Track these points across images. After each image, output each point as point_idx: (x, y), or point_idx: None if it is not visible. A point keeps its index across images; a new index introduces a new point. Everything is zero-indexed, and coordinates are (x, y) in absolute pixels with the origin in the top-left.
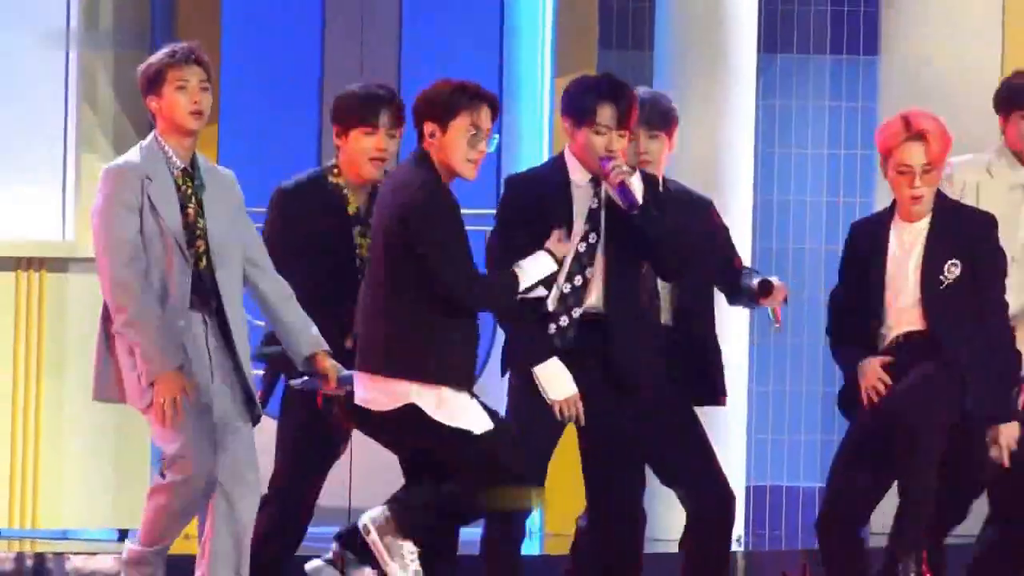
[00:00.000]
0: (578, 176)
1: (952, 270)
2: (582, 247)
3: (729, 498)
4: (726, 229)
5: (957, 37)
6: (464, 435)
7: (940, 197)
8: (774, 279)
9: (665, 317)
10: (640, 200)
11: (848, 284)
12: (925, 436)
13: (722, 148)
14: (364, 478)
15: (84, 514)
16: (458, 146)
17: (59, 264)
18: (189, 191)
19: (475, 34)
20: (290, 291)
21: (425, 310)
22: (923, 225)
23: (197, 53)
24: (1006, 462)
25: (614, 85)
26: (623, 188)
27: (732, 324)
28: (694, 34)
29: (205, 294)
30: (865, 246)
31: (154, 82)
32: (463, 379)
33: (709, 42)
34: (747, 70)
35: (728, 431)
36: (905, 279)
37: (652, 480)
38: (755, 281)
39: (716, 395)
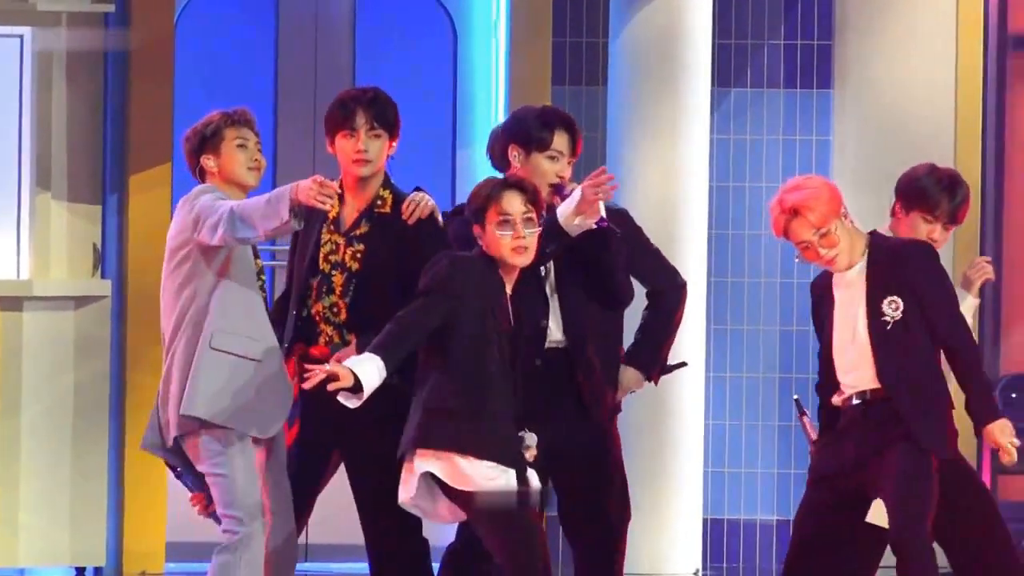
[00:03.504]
0: None
1: (894, 307)
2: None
3: None
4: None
5: (910, 69)
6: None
7: (873, 238)
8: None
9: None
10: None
11: (821, 342)
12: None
13: (676, 183)
14: (321, 515)
15: (41, 552)
16: (497, 241)
17: (13, 303)
18: None
19: (428, 72)
20: None
21: None
22: (860, 268)
23: (251, 118)
24: (1012, 458)
25: (565, 114)
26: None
27: (687, 357)
28: (647, 69)
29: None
30: (817, 299)
31: (211, 139)
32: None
33: (662, 77)
34: (700, 104)
35: (685, 464)
36: (852, 328)
37: None
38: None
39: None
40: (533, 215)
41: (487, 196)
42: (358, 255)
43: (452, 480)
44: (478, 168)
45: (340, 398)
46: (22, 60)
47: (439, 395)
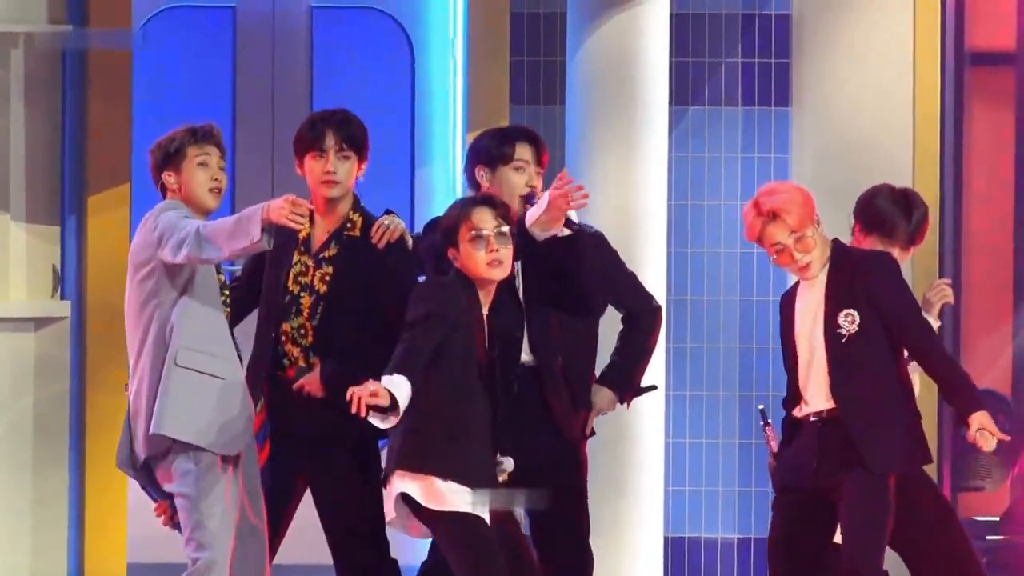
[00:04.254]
0: None
1: (849, 320)
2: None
3: None
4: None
5: (868, 87)
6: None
7: (836, 246)
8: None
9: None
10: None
11: (785, 357)
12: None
13: (635, 201)
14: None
15: (1, 573)
16: (472, 257)
17: None
18: None
19: (386, 91)
20: None
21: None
22: (821, 277)
23: (216, 133)
24: (990, 446)
25: (525, 127)
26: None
27: (647, 376)
28: (605, 88)
29: (236, 347)
30: (784, 314)
31: (173, 156)
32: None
33: (620, 95)
34: (659, 123)
35: (645, 482)
36: (809, 341)
37: None
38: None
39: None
40: (505, 230)
41: (457, 215)
42: (326, 277)
43: (426, 499)
44: (437, 186)
45: (372, 419)
46: None
47: (422, 418)
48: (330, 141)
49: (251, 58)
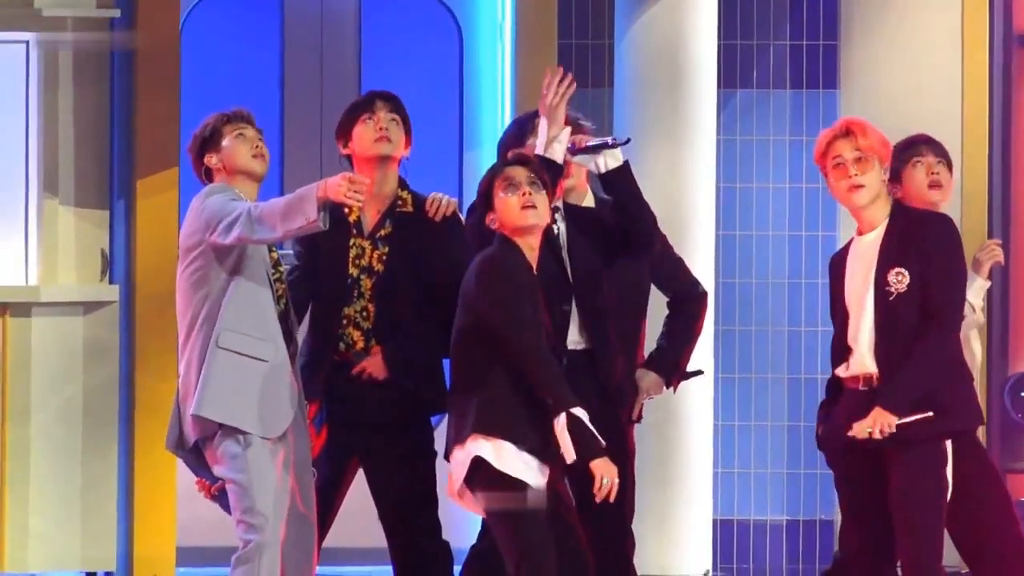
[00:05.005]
0: None
1: (899, 279)
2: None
3: None
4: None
5: (916, 70)
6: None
7: (897, 204)
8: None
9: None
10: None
11: (833, 317)
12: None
13: (684, 184)
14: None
15: (51, 557)
16: (506, 205)
17: (22, 309)
18: None
19: (434, 75)
20: None
21: None
22: (876, 235)
23: (248, 114)
24: (854, 434)
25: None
26: (590, 143)
27: (696, 359)
28: (654, 71)
29: (288, 332)
30: (834, 275)
31: (210, 139)
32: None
33: (669, 78)
34: (707, 105)
35: (694, 465)
36: (860, 299)
37: None
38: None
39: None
40: (539, 181)
41: (491, 175)
42: (383, 257)
43: (497, 461)
44: (485, 170)
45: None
46: (28, 65)
47: (499, 389)
48: (379, 104)
49: (299, 42)
